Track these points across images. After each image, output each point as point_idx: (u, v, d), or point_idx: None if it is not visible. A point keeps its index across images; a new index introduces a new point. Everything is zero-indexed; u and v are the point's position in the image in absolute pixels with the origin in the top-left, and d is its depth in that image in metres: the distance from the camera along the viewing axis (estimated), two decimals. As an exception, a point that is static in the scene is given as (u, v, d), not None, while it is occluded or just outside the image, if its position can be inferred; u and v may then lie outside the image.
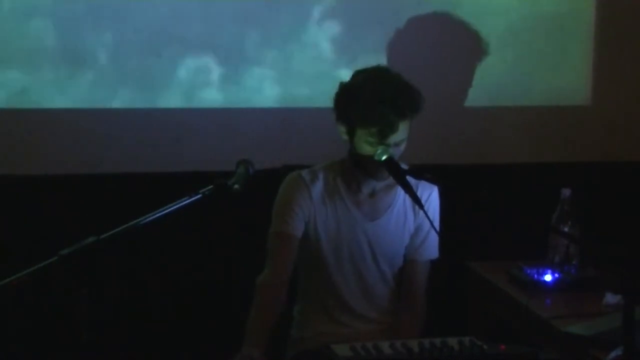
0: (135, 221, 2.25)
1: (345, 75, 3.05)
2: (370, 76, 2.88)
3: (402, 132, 2.83)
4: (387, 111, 2.79)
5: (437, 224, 2.97)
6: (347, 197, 2.97)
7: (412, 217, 3.02)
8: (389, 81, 2.85)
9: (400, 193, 2.98)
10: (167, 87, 3.75)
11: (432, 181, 2.84)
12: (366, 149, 2.84)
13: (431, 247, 3.04)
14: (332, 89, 2.95)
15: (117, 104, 3.73)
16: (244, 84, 3.77)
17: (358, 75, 2.92)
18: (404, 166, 2.85)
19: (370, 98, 2.81)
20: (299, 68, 3.80)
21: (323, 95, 3.05)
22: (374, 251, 2.99)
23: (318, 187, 2.96)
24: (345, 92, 2.89)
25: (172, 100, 3.76)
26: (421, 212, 2.88)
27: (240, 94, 3.80)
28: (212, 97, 3.79)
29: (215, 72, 3.76)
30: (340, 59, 3.79)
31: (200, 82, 3.76)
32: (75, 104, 3.71)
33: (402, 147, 2.87)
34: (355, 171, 2.95)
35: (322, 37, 3.80)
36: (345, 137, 2.90)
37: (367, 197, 2.98)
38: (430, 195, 3.00)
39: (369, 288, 3.01)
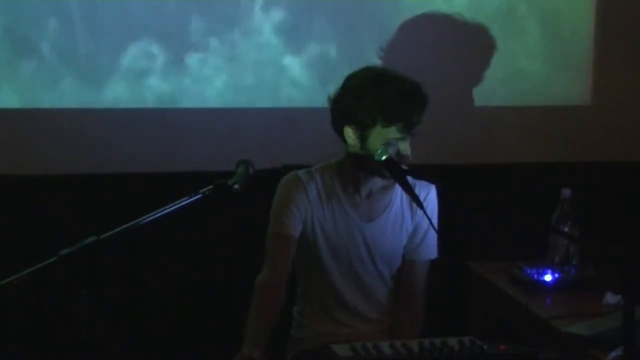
0: (135, 221, 2.25)
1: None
2: (374, 76, 2.88)
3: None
4: (411, 104, 2.82)
5: (435, 223, 2.97)
6: (344, 198, 2.96)
7: (410, 218, 3.01)
8: (398, 77, 2.87)
9: (398, 194, 2.98)
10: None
11: (430, 181, 2.84)
12: (381, 146, 2.82)
13: (430, 247, 3.04)
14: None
15: (116, 103, 3.74)
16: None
17: (357, 78, 2.90)
18: (403, 166, 2.85)
19: (391, 96, 2.81)
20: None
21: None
22: (371, 252, 2.99)
23: (315, 187, 2.96)
24: (355, 95, 2.86)
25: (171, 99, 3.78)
26: (419, 212, 2.89)
27: (239, 94, 3.81)
28: (211, 97, 3.80)
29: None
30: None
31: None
32: (75, 104, 3.72)
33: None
34: (355, 172, 2.94)
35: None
36: (353, 141, 2.88)
37: (364, 198, 2.98)
38: (428, 194, 3.00)
39: (367, 288, 3.01)
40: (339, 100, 2.90)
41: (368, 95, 2.84)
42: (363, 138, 2.86)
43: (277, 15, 3.80)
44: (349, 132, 2.88)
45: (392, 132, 2.82)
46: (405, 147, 2.84)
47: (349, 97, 2.87)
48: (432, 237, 3.02)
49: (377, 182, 2.96)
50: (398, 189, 2.97)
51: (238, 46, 3.78)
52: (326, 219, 2.96)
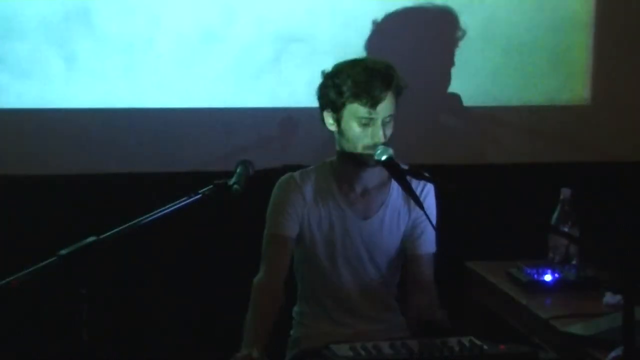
0: (135, 221, 2.25)
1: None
2: (352, 61, 2.91)
3: (389, 105, 2.84)
4: (373, 79, 2.82)
5: (434, 220, 2.95)
6: (339, 196, 2.97)
7: (407, 213, 3.01)
8: (371, 59, 2.92)
9: (394, 190, 2.98)
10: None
11: (429, 180, 2.84)
12: (355, 129, 2.83)
13: (429, 241, 3.03)
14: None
15: (117, 103, 3.74)
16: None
17: (339, 64, 2.93)
18: (403, 166, 2.85)
19: (358, 73, 2.84)
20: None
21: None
22: (369, 249, 2.99)
23: (310, 187, 2.96)
24: (331, 77, 2.89)
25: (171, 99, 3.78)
26: (416, 207, 2.89)
27: (239, 94, 3.82)
28: (211, 97, 3.80)
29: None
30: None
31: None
32: (75, 104, 3.72)
33: (391, 127, 2.87)
34: (347, 168, 2.94)
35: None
36: (332, 127, 2.90)
37: (360, 195, 2.98)
38: (427, 194, 2.99)
39: (366, 286, 3.00)
40: (322, 85, 2.93)
41: (341, 75, 2.86)
42: (338, 121, 2.88)
43: (277, 15, 3.80)
44: (328, 118, 2.90)
45: (360, 110, 2.83)
46: (376, 132, 2.83)
47: (330, 80, 2.90)
48: (431, 232, 3.01)
49: (373, 179, 2.96)
50: (394, 186, 2.97)
51: (237, 46, 3.79)
52: (322, 219, 2.96)
